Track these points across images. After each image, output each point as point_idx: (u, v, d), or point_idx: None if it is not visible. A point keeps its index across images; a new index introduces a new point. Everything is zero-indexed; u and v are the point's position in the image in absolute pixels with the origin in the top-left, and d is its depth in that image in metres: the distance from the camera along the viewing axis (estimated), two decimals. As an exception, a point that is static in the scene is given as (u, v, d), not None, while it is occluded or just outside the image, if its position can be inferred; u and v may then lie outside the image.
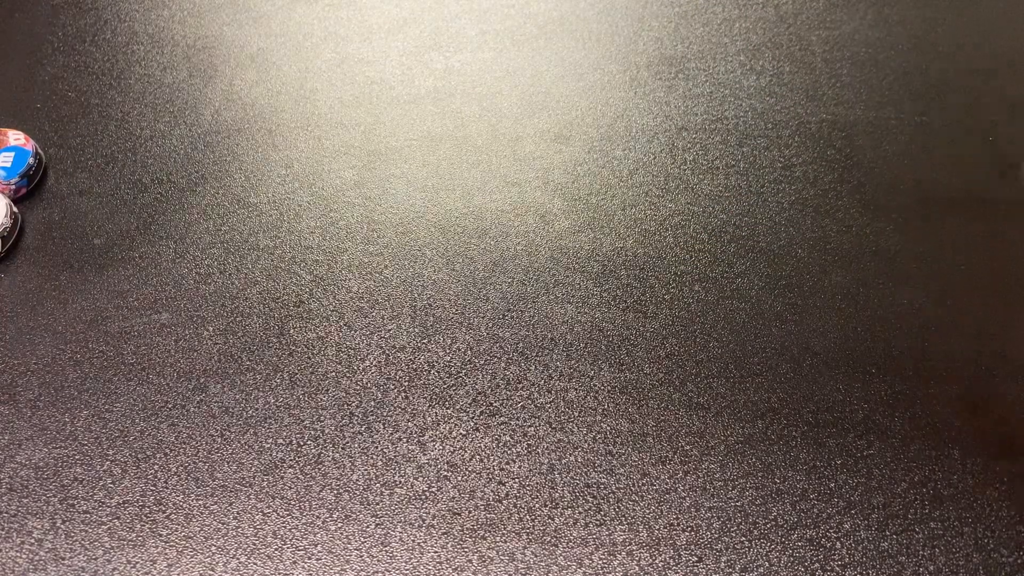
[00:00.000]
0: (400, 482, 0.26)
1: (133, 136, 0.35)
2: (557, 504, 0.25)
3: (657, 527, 0.25)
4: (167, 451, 0.27)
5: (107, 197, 0.33)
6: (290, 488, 0.26)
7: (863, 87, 0.34)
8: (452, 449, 0.27)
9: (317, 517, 0.26)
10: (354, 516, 0.26)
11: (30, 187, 0.33)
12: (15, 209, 0.32)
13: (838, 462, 0.26)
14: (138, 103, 0.36)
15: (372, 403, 0.28)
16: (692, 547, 0.25)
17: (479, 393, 0.28)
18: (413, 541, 0.25)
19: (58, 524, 0.26)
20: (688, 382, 0.28)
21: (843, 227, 0.31)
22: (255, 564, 0.25)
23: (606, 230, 0.31)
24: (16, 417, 0.28)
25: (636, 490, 0.26)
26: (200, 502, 0.26)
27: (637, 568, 0.24)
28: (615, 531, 0.25)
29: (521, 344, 0.29)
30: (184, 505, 0.26)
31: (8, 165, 0.33)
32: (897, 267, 0.30)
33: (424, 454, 0.27)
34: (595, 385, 0.28)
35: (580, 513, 0.25)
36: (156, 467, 0.27)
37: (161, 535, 0.25)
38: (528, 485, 0.26)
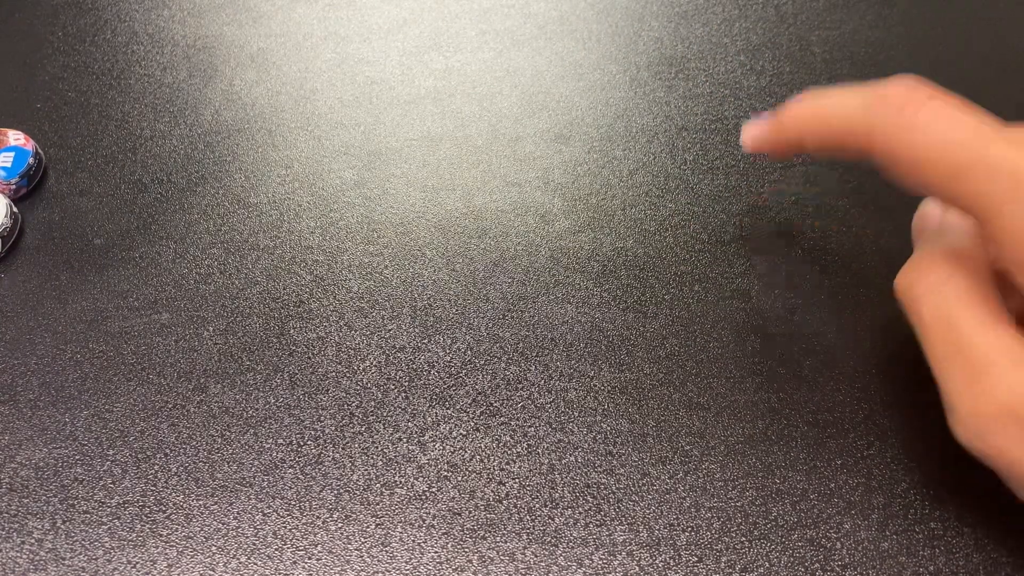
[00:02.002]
0: (400, 482, 0.26)
1: (133, 136, 0.35)
2: (557, 504, 0.25)
3: (657, 527, 0.25)
4: (167, 451, 0.27)
5: (107, 197, 0.33)
6: (290, 488, 0.26)
7: (863, 87, 0.34)
8: (452, 449, 0.27)
9: (317, 517, 0.26)
10: (354, 516, 0.26)
11: (30, 187, 0.33)
12: (15, 209, 0.32)
13: (838, 462, 0.26)
14: (138, 103, 0.36)
15: (372, 403, 0.28)
16: (692, 547, 0.25)
17: (479, 393, 0.28)
18: (413, 541, 0.25)
19: (58, 524, 0.26)
20: (688, 382, 0.28)
21: (843, 227, 0.31)
22: (255, 564, 0.25)
23: (606, 230, 0.31)
24: (16, 417, 0.28)
25: (636, 490, 0.26)
26: (200, 502, 0.26)
27: (637, 568, 0.24)
28: (615, 531, 0.25)
29: (521, 344, 0.29)
30: (184, 505, 0.26)
31: (8, 165, 0.33)
32: (897, 267, 0.29)
33: (424, 454, 0.27)
34: (595, 385, 0.28)
35: (580, 513, 0.25)
36: (156, 467, 0.27)
37: (161, 535, 0.25)
38: (528, 485, 0.26)
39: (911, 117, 0.21)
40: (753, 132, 0.27)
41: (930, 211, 0.26)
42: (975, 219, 0.21)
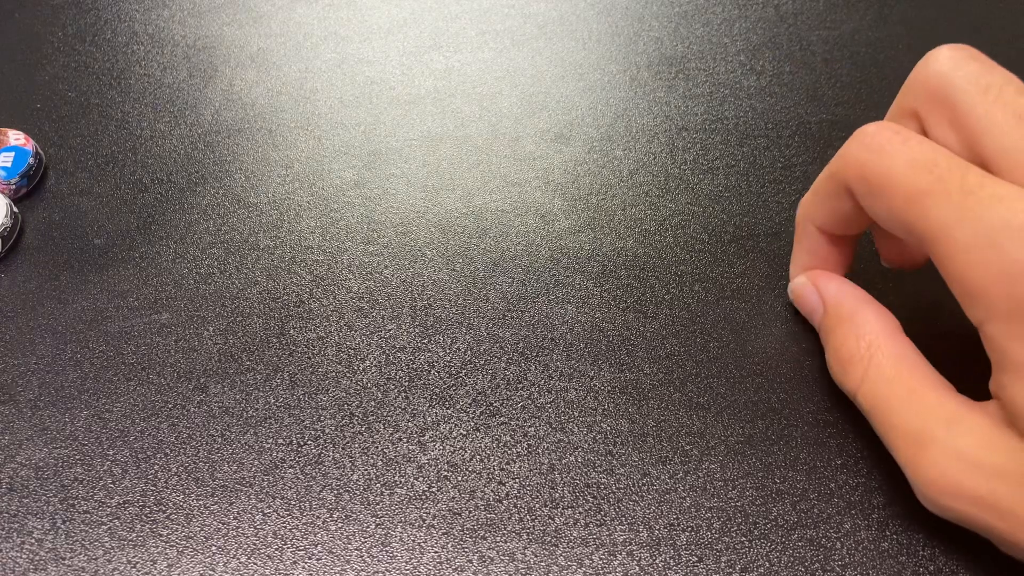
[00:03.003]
0: (400, 482, 0.26)
1: (133, 136, 0.35)
2: (557, 504, 0.25)
3: (657, 527, 0.25)
4: (167, 451, 0.27)
5: (107, 197, 0.33)
6: (290, 488, 0.26)
7: (863, 87, 0.34)
8: (452, 449, 0.27)
9: (317, 517, 0.26)
10: (354, 516, 0.26)
11: (30, 187, 0.33)
12: (15, 209, 0.32)
13: (838, 462, 0.26)
14: (138, 103, 0.36)
15: (372, 403, 0.28)
16: (692, 547, 0.25)
17: (479, 393, 0.28)
18: (413, 541, 0.25)
19: (58, 524, 0.26)
20: (688, 382, 0.28)
21: (843, 227, 0.31)
22: (255, 564, 0.25)
23: (606, 230, 0.31)
24: (16, 417, 0.28)
25: (636, 490, 0.26)
26: (200, 502, 0.26)
27: (637, 568, 0.24)
28: (615, 531, 0.25)
29: (521, 344, 0.29)
30: (184, 505, 0.26)
31: (8, 165, 0.33)
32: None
33: (424, 454, 0.27)
34: (595, 385, 0.28)
35: (580, 513, 0.25)
36: (156, 467, 0.27)
37: (161, 535, 0.25)
38: (528, 485, 0.26)
39: (881, 143, 0.22)
40: (804, 306, 0.27)
41: (805, 290, 0.27)
42: (926, 246, 0.21)
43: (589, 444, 0.26)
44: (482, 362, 0.28)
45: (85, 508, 0.26)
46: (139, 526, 0.26)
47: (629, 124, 0.34)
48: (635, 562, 0.24)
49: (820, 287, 0.26)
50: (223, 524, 0.25)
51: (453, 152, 0.34)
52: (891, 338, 0.24)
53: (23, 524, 0.26)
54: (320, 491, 0.26)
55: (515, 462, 0.26)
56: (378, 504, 0.26)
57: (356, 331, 0.29)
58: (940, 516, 0.22)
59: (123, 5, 0.40)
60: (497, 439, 0.27)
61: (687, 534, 0.25)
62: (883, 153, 0.22)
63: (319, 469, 0.26)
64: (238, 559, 0.25)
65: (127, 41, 0.38)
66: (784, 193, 0.32)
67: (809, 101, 0.34)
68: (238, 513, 0.26)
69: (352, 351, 0.29)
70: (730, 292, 0.29)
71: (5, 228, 0.31)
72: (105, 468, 0.27)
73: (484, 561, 0.25)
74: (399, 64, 0.37)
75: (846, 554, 0.24)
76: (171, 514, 0.26)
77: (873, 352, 0.24)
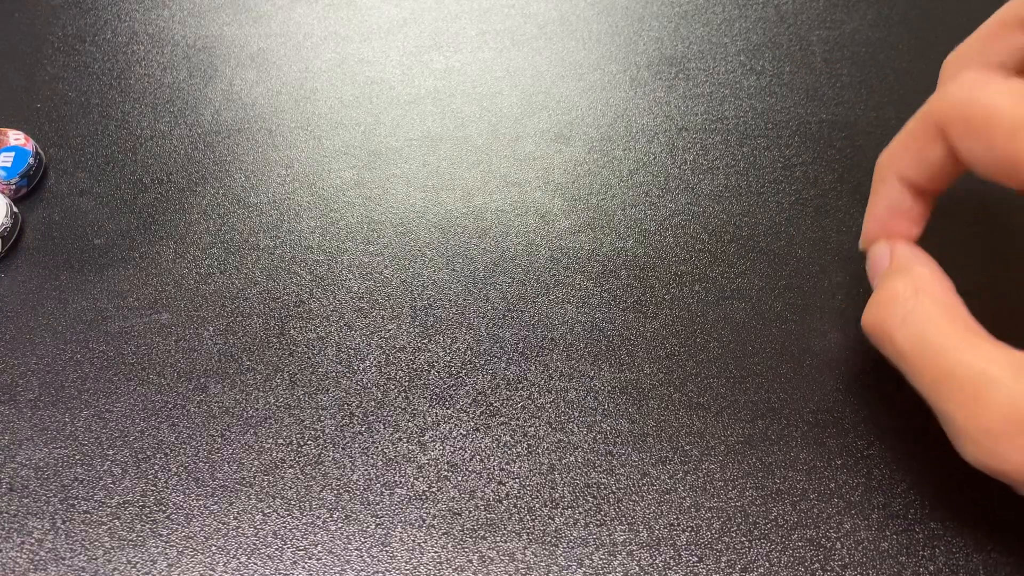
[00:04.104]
0: (400, 482, 0.26)
1: (133, 136, 0.35)
2: (557, 504, 0.25)
3: (657, 527, 0.25)
4: (167, 451, 0.27)
5: (107, 197, 0.33)
6: (290, 488, 0.26)
7: (863, 87, 0.34)
8: (452, 449, 0.27)
9: (317, 517, 0.26)
10: (354, 516, 0.26)
11: (30, 187, 0.33)
12: (15, 209, 0.32)
13: (838, 462, 0.26)
14: (138, 103, 0.36)
15: (372, 403, 0.28)
16: (692, 547, 0.25)
17: (479, 393, 0.28)
18: (413, 541, 0.25)
19: (58, 524, 0.26)
20: (688, 382, 0.28)
21: (843, 227, 0.31)
22: (255, 564, 0.25)
23: (606, 230, 0.31)
24: (16, 417, 0.28)
25: (636, 490, 0.26)
26: (200, 502, 0.26)
27: (637, 568, 0.24)
28: (615, 531, 0.25)
29: (521, 344, 0.29)
30: (184, 505, 0.26)
31: (8, 165, 0.33)
32: (897, 267, 0.29)
33: (424, 454, 0.27)
34: (595, 385, 0.28)
35: (580, 513, 0.25)
36: (156, 467, 0.27)
37: (161, 535, 0.25)
38: (528, 485, 0.26)
39: (983, 80, 0.21)
40: (874, 268, 0.26)
41: (880, 253, 0.26)
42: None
43: (589, 444, 0.26)
44: (482, 362, 0.28)
45: (85, 508, 0.26)
46: (139, 526, 0.26)
47: (629, 124, 0.34)
48: (635, 562, 0.24)
49: (892, 247, 0.25)
50: (223, 524, 0.25)
51: (453, 152, 0.34)
52: (943, 287, 0.22)
53: (23, 524, 0.26)
54: (320, 491, 0.26)
55: (515, 462, 0.26)
56: (378, 504, 0.26)
57: (356, 331, 0.29)
58: (985, 470, 0.21)
59: (123, 5, 0.40)
60: (497, 439, 0.27)
61: (687, 534, 0.25)
62: (986, 89, 0.21)
63: (319, 469, 0.26)
64: (238, 559, 0.25)
65: (127, 41, 0.38)
66: (784, 193, 0.32)
67: (809, 101, 0.34)
68: (238, 513, 0.26)
69: (352, 351, 0.29)
70: (730, 292, 0.29)
71: (5, 228, 0.31)
72: (105, 468, 0.27)
73: (484, 561, 0.25)
74: (399, 64, 0.37)
75: (846, 554, 0.24)
76: (171, 514, 0.26)
77: (921, 296, 0.22)
